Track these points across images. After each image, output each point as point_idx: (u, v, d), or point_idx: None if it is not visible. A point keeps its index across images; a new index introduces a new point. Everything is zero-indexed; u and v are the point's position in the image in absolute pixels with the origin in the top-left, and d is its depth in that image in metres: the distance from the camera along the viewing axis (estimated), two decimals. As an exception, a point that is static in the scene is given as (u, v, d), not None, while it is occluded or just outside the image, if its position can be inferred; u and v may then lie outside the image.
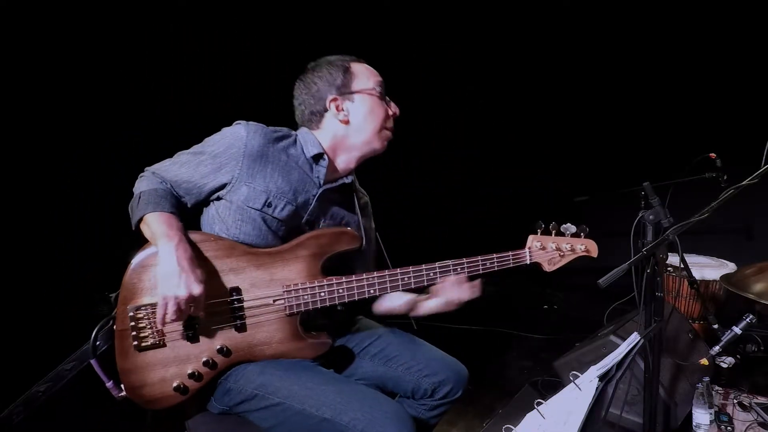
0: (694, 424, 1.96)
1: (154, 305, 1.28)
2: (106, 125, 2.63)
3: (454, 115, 5.03)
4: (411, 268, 1.44)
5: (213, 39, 3.13)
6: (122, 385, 1.31)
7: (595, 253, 1.54)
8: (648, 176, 1.77)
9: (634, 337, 1.45)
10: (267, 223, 1.39)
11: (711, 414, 1.96)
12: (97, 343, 1.33)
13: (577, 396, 1.36)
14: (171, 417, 1.38)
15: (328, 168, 1.48)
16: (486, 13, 4.52)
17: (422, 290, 1.51)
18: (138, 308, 1.29)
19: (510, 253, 1.51)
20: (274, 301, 1.37)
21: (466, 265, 1.47)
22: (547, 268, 1.54)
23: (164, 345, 1.31)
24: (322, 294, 1.39)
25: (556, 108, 5.15)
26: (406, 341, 1.60)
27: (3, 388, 1.59)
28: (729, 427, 2.01)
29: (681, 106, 4.49)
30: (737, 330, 1.94)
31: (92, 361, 1.32)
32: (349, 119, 1.47)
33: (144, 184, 1.37)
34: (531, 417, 1.36)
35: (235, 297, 1.35)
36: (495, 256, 1.50)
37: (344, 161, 1.52)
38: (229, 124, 1.41)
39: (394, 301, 1.57)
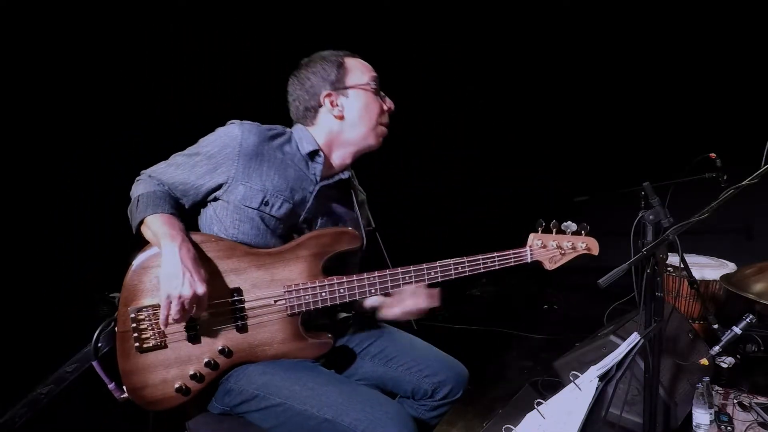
0: (694, 424, 1.96)
1: (155, 306, 1.28)
2: (106, 125, 2.63)
3: (454, 115, 5.03)
4: (412, 267, 1.44)
5: (213, 39, 3.13)
6: (124, 387, 1.31)
7: (596, 251, 1.53)
8: (648, 176, 1.77)
9: (634, 337, 1.45)
10: (265, 221, 1.39)
11: (711, 414, 1.96)
12: (99, 344, 1.33)
13: (577, 396, 1.36)
14: (172, 418, 1.38)
15: (324, 164, 1.47)
16: (486, 13, 4.52)
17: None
18: (139, 309, 1.29)
19: (511, 251, 1.50)
20: (276, 301, 1.37)
21: (467, 264, 1.47)
22: (548, 266, 1.54)
23: (166, 346, 1.31)
24: (323, 294, 1.39)
25: (556, 108, 5.15)
26: (407, 341, 1.60)
27: (3, 387, 1.59)
28: (729, 427, 2.01)
29: (681, 106, 4.49)
30: (737, 330, 1.94)
31: (94, 363, 1.32)
32: (344, 115, 1.47)
33: (141, 187, 1.37)
34: (531, 417, 1.36)
35: (236, 297, 1.35)
36: (496, 254, 1.49)
37: (340, 157, 1.52)
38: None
39: (365, 302, 1.56)
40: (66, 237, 2.53)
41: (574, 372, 1.41)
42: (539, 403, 1.37)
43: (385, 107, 1.52)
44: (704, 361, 2.17)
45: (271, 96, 1.54)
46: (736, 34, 4.08)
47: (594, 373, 1.38)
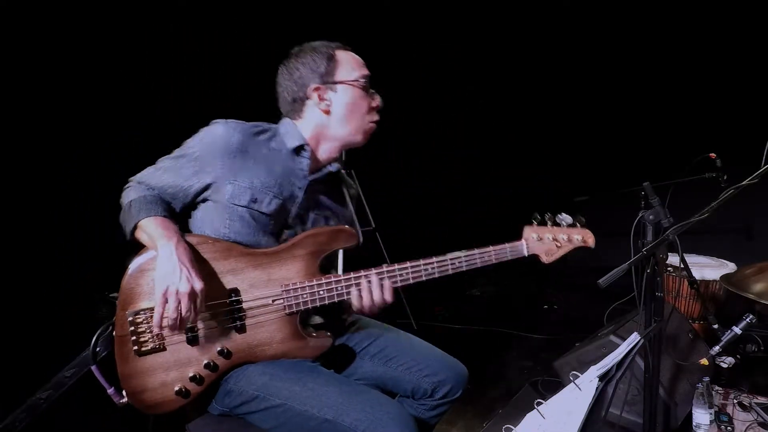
0: (694, 424, 1.96)
1: (153, 309, 1.27)
2: (106, 125, 2.63)
3: (454, 115, 5.03)
4: (409, 264, 1.43)
5: (213, 39, 3.13)
6: (123, 391, 1.30)
7: (592, 243, 1.52)
8: (648, 176, 1.76)
9: (634, 337, 1.45)
10: (255, 219, 1.38)
11: (711, 414, 1.96)
12: (97, 349, 1.32)
13: (577, 396, 1.36)
14: (172, 421, 1.37)
15: (310, 158, 1.46)
16: (486, 13, 4.52)
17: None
18: (137, 313, 1.28)
19: (507, 244, 1.50)
20: (273, 301, 1.37)
21: (463, 259, 1.46)
22: (545, 259, 1.53)
23: (164, 349, 1.31)
24: (321, 292, 1.39)
25: (556, 108, 5.15)
26: (406, 341, 1.60)
27: (3, 387, 1.59)
28: (729, 427, 2.01)
29: (681, 106, 4.49)
30: (737, 330, 1.94)
31: (93, 368, 1.32)
32: (331, 110, 1.45)
33: (132, 193, 1.37)
34: (531, 417, 1.36)
35: (234, 298, 1.35)
36: (492, 248, 1.48)
37: (326, 151, 1.50)
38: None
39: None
40: (66, 237, 2.53)
41: (574, 372, 1.41)
42: (539, 403, 1.36)
43: (373, 104, 1.50)
44: (704, 361, 2.17)
45: (271, 96, 1.53)
46: (736, 34, 4.08)
47: (594, 373, 1.38)
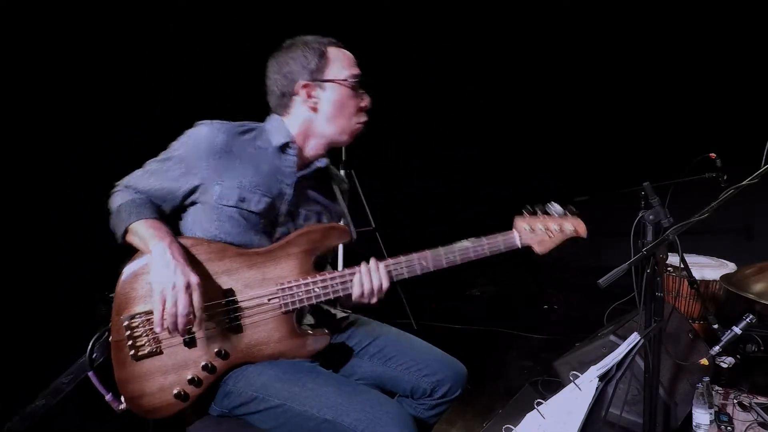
0: (694, 424, 1.96)
1: (149, 313, 1.27)
2: (106, 125, 2.63)
3: (454, 115, 5.03)
4: (402, 258, 1.43)
5: (213, 39, 3.13)
6: (122, 397, 1.29)
7: (583, 233, 1.52)
8: (648, 176, 1.77)
9: (634, 337, 1.45)
10: (245, 218, 1.38)
11: (711, 414, 1.96)
12: (94, 355, 1.31)
13: (577, 396, 1.36)
14: (172, 425, 1.36)
15: (297, 155, 1.46)
16: (486, 13, 4.52)
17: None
18: (132, 317, 1.28)
19: (498, 234, 1.50)
20: (269, 299, 1.37)
21: (457, 252, 1.46)
22: (538, 249, 1.53)
23: (161, 352, 1.30)
24: (317, 290, 1.39)
25: (556, 108, 5.15)
26: (405, 341, 1.60)
27: (3, 387, 1.59)
28: (729, 427, 2.01)
29: (681, 106, 4.48)
30: (737, 330, 1.94)
31: (90, 374, 1.31)
32: (318, 108, 1.44)
33: (119, 198, 1.37)
34: (531, 417, 1.36)
35: (229, 298, 1.35)
36: (485, 240, 1.49)
37: (313, 147, 1.50)
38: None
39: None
40: (66, 237, 2.53)
41: (574, 372, 1.41)
42: (539, 403, 1.37)
43: (362, 105, 1.49)
44: (704, 361, 2.17)
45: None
46: (735, 34, 4.08)
47: (594, 373, 1.38)
